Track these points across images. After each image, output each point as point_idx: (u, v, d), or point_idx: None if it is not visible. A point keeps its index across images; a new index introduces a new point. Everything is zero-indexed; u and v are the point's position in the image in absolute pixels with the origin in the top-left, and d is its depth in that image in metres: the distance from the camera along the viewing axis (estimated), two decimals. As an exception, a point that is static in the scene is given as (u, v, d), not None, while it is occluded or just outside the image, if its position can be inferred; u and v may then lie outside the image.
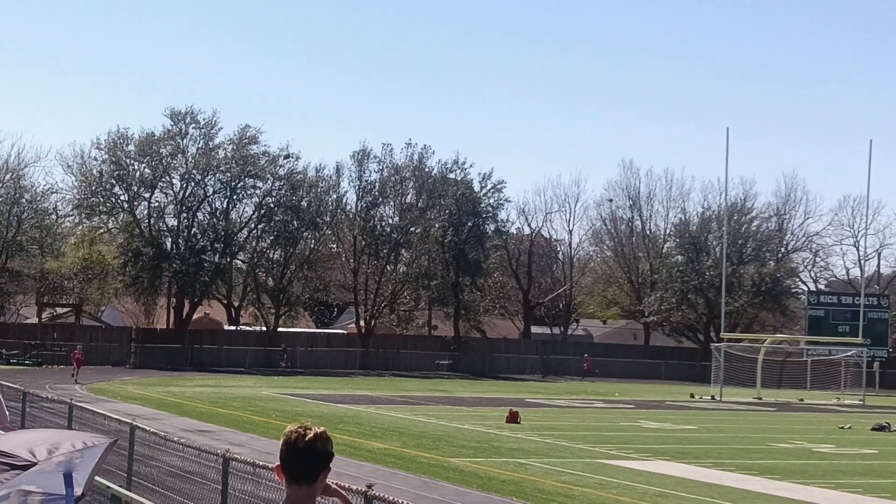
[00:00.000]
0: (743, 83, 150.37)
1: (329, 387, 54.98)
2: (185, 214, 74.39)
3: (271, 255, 79.89)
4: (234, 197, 75.71)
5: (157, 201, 74.68)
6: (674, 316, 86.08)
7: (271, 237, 77.80)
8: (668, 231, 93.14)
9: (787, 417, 48.07)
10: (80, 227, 76.77)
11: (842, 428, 41.95)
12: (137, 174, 73.26)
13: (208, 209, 75.76)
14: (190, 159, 73.89)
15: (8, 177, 73.34)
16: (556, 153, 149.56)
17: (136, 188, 73.18)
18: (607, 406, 49.50)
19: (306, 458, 4.74)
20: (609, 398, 55.44)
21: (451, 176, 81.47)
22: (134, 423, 14.68)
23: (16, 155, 74.16)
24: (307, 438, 4.74)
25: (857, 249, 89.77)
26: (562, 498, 20.45)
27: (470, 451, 27.57)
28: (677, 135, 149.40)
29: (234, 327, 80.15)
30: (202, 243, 74.36)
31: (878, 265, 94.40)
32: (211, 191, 75.19)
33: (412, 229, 79.18)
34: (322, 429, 4.86)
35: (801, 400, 61.56)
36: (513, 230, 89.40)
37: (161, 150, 73.27)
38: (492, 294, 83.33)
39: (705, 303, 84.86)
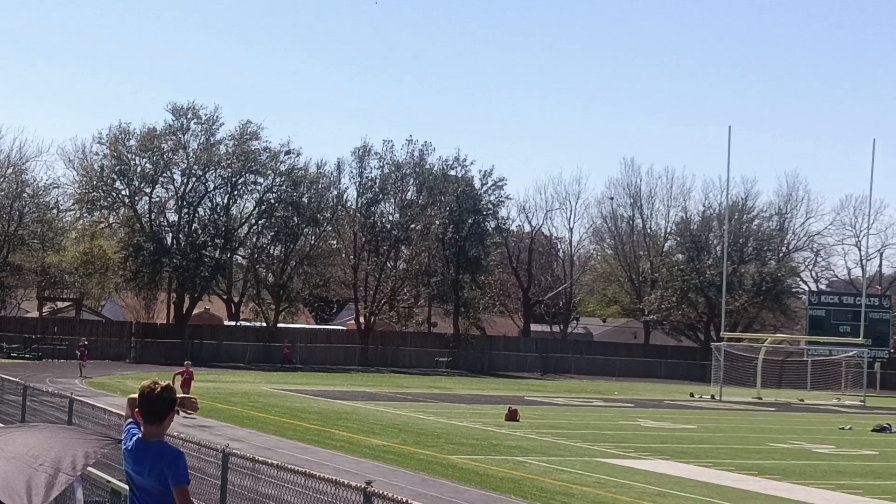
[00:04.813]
0: (745, 81, 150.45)
1: (328, 383, 54.96)
2: (185, 210, 74.37)
3: (272, 251, 79.88)
4: (235, 192, 75.71)
5: (157, 196, 74.77)
6: (674, 315, 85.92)
7: (272, 233, 77.80)
8: (668, 229, 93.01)
9: (787, 417, 48.04)
10: (81, 222, 76.76)
11: (842, 429, 41.93)
12: (139, 169, 73.23)
13: (209, 205, 75.77)
14: (191, 155, 73.86)
15: (10, 171, 73.36)
16: (557, 150, 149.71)
17: (137, 183, 73.15)
18: (606, 405, 49.48)
19: (156, 405, 6.62)
20: (608, 397, 55.43)
21: (452, 173, 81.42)
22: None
23: (17, 149, 74.30)
24: (156, 391, 6.61)
25: (859, 249, 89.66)
26: (560, 496, 20.44)
27: (469, 449, 27.57)
28: (679, 133, 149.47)
29: (233, 323, 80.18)
30: (203, 239, 74.36)
31: (880, 265, 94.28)
32: (212, 186, 75.21)
33: (412, 226, 79.14)
34: (166, 383, 6.74)
35: (802, 400, 61.52)
36: (513, 227, 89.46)
37: (162, 146, 73.25)
38: (492, 291, 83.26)
39: (706, 302, 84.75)
